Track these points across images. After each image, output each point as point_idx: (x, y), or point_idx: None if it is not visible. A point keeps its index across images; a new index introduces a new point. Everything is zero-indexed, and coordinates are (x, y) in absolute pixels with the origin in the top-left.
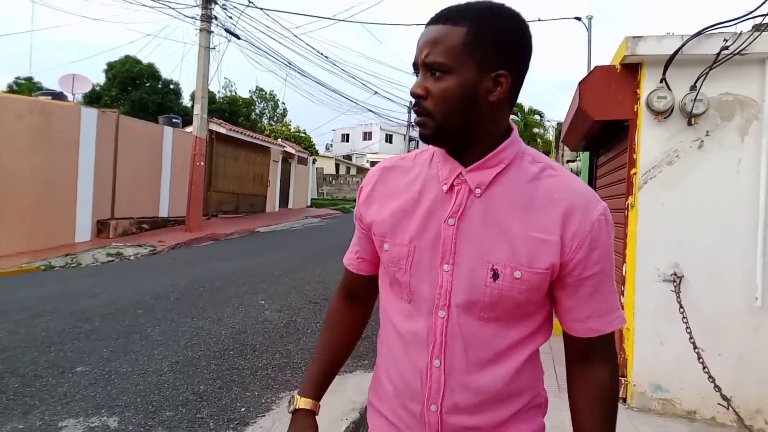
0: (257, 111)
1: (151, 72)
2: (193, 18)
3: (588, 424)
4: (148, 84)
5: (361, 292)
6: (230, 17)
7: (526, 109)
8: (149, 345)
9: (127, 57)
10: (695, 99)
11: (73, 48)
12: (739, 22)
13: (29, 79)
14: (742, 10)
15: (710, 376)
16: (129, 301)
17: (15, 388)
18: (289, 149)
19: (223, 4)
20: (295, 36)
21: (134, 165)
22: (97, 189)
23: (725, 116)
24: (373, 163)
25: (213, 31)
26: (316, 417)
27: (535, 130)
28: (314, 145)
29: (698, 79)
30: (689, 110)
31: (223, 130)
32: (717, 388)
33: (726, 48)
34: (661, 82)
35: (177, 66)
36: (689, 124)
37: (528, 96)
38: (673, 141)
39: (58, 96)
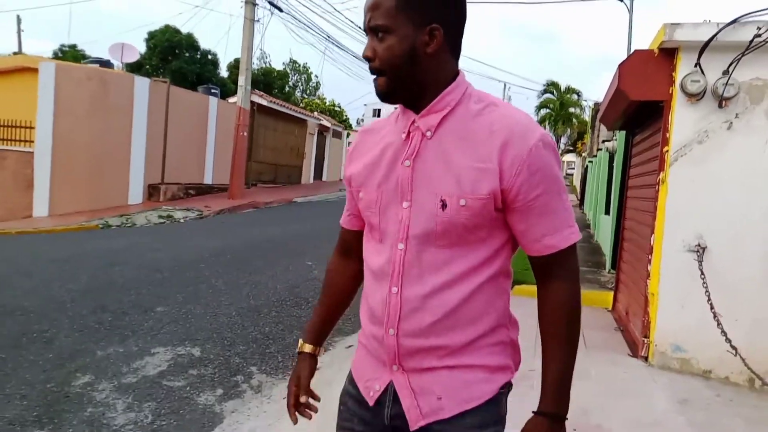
0: (291, 83)
1: (191, 42)
2: None
3: (545, 333)
4: (187, 54)
5: (353, 246)
6: None
7: (563, 88)
8: (216, 293)
9: (167, 27)
10: (727, 83)
11: (114, 18)
12: None
13: (73, 47)
14: None
15: (727, 338)
16: (190, 257)
17: (109, 321)
18: (324, 122)
19: None
20: (335, 10)
21: (182, 133)
22: (149, 155)
23: (755, 99)
24: None
25: (258, 4)
26: (318, 358)
27: (572, 109)
28: (348, 119)
29: (731, 64)
30: (721, 93)
31: (264, 102)
32: (733, 348)
33: (759, 35)
34: (695, 66)
35: (222, 37)
36: (720, 106)
37: (566, 74)
38: (704, 122)
39: (106, 64)
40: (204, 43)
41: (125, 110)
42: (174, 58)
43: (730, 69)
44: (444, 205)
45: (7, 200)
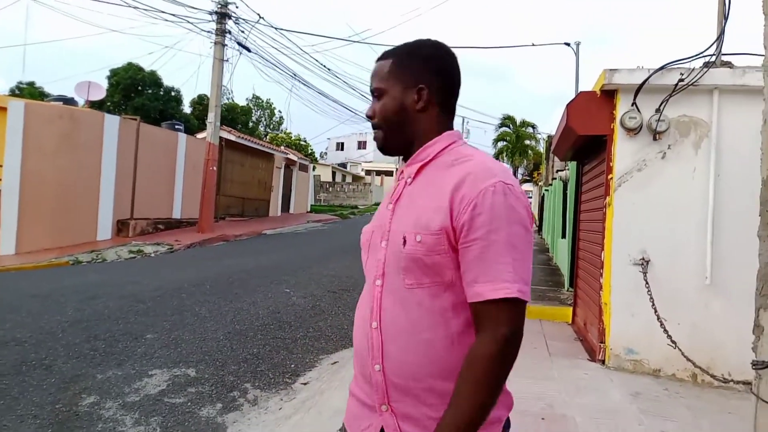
0: (254, 119)
1: (154, 79)
2: (209, 32)
3: (457, 383)
4: (150, 91)
5: None
6: (242, 31)
7: (518, 122)
8: (201, 320)
9: (130, 64)
10: (659, 119)
11: (74, 56)
12: (692, 60)
13: (31, 84)
14: (695, 50)
15: (675, 344)
16: (171, 288)
17: (103, 348)
18: (291, 156)
19: (236, 19)
20: (302, 50)
21: (151, 169)
22: (118, 191)
23: (683, 133)
24: (367, 172)
25: (227, 45)
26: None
27: (527, 141)
28: (314, 153)
29: (661, 103)
30: (654, 128)
31: (232, 137)
32: (674, 344)
33: (682, 80)
34: (632, 105)
35: (191, 77)
36: (654, 139)
37: (521, 109)
38: (642, 152)
39: (69, 101)
40: (172, 82)
41: (95, 147)
42: (137, 94)
43: (661, 107)
44: (405, 242)
45: None
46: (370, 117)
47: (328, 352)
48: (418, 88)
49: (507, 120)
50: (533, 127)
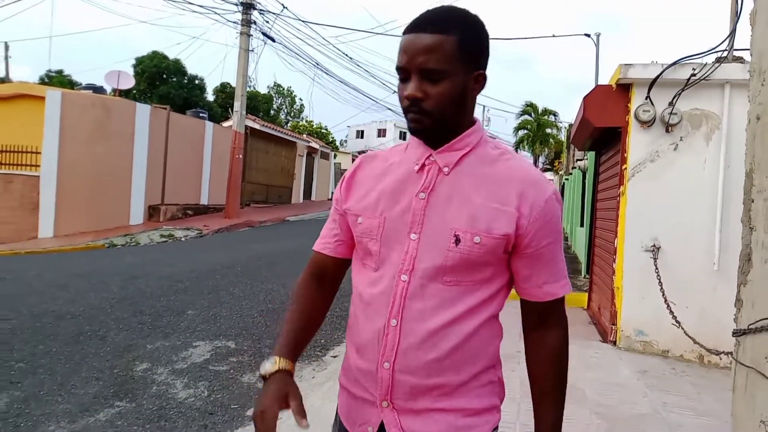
0: (275, 106)
1: (178, 67)
2: (235, 23)
3: (542, 383)
4: (174, 79)
5: (329, 275)
6: (267, 22)
7: (540, 110)
8: (236, 299)
9: (155, 53)
10: (671, 112)
11: (100, 46)
12: (705, 55)
13: (60, 72)
14: (707, 46)
15: (679, 324)
16: (204, 269)
17: (149, 322)
18: (313, 144)
19: (261, 10)
20: (325, 39)
21: (181, 156)
22: (150, 177)
23: (694, 126)
24: None
25: (252, 35)
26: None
27: (548, 130)
28: (335, 141)
29: (674, 97)
30: (667, 121)
31: (257, 126)
32: (678, 325)
33: (694, 75)
34: (646, 98)
35: (217, 66)
36: (667, 131)
37: (542, 97)
38: (655, 144)
39: (99, 90)
40: (197, 71)
41: (127, 135)
42: (162, 83)
43: (674, 101)
44: (457, 240)
45: (13, 222)
46: (419, 99)
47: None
48: (478, 73)
49: (528, 108)
50: (555, 114)
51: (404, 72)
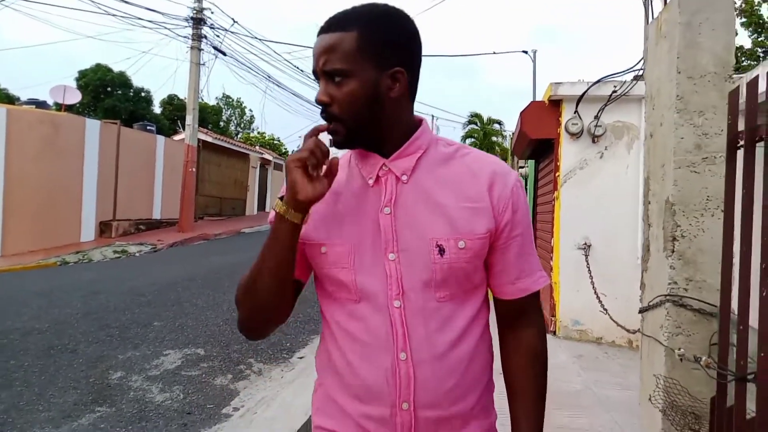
0: (224, 118)
1: (123, 80)
2: (185, 37)
3: (522, 385)
4: (119, 92)
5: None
6: (217, 36)
7: (485, 119)
8: (200, 309)
9: (99, 65)
10: (597, 125)
11: (42, 60)
12: (624, 74)
13: None
14: (626, 65)
15: (606, 311)
16: (164, 283)
17: (117, 335)
18: (266, 156)
19: (211, 25)
20: (277, 53)
21: (132, 171)
22: (100, 193)
23: (617, 136)
24: None
25: (203, 49)
26: None
27: (494, 138)
28: (287, 151)
29: (599, 111)
30: (593, 132)
31: (209, 139)
32: (606, 312)
33: (615, 91)
34: (575, 113)
35: (167, 80)
36: (593, 142)
37: (487, 106)
38: (583, 153)
39: (42, 105)
40: (146, 84)
41: (76, 151)
42: (106, 95)
43: (599, 114)
44: (441, 250)
45: None
46: (325, 104)
47: (317, 333)
48: (395, 70)
49: (474, 117)
50: (500, 123)
51: (315, 76)
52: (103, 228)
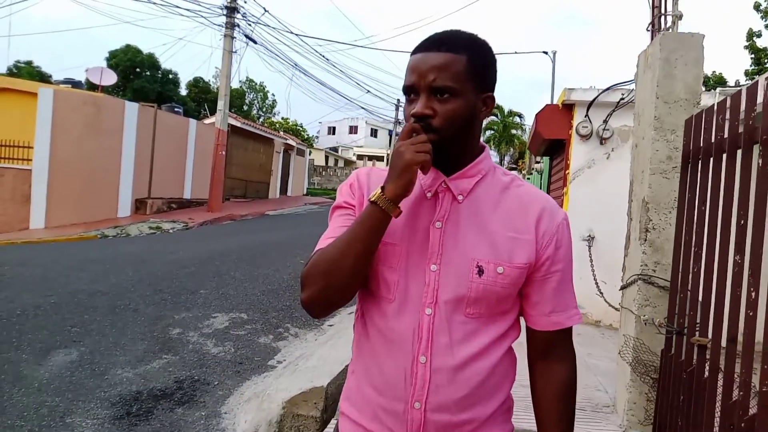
0: (247, 101)
1: (152, 62)
2: (219, 26)
3: (550, 418)
4: (148, 73)
5: None
6: (249, 24)
7: (506, 111)
8: (238, 281)
9: (129, 46)
10: (605, 128)
11: (78, 42)
12: (631, 83)
13: (29, 63)
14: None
15: (601, 294)
16: (203, 257)
17: (170, 299)
18: (290, 142)
19: (244, 13)
20: (306, 44)
21: (166, 152)
22: (137, 172)
23: (623, 139)
24: (359, 156)
25: (235, 37)
26: None
27: (513, 131)
28: (310, 138)
29: (608, 116)
30: (601, 135)
31: (238, 123)
32: (604, 298)
33: (623, 98)
34: (585, 116)
35: (200, 66)
36: (601, 143)
37: (508, 98)
38: (592, 154)
39: (77, 85)
40: (173, 67)
41: (116, 132)
42: (135, 77)
43: (608, 119)
44: (480, 271)
45: (3, 213)
46: (428, 116)
47: (347, 306)
48: (488, 96)
49: (495, 109)
50: (520, 116)
51: (412, 91)
52: (139, 205)
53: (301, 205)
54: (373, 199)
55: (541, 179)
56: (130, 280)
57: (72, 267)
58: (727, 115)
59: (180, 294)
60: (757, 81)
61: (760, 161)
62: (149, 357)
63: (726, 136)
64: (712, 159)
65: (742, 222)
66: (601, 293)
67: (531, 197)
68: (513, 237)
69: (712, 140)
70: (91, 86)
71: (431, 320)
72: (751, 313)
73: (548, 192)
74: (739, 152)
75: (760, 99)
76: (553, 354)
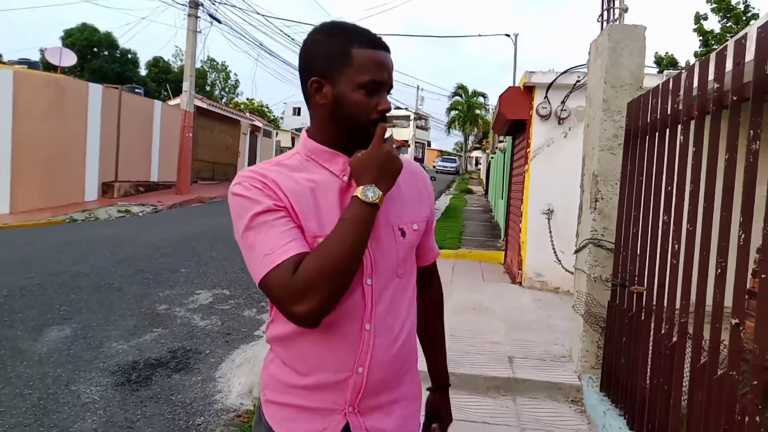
0: (209, 81)
1: (110, 41)
2: (183, 5)
3: (434, 327)
4: (106, 53)
5: None
6: (213, 4)
7: (470, 92)
8: (216, 260)
9: (85, 25)
10: (563, 109)
11: (32, 22)
12: (586, 66)
13: None
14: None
15: (560, 261)
16: (177, 239)
17: (152, 278)
18: (256, 123)
19: None
20: (267, 20)
21: (131, 135)
22: (103, 155)
23: (579, 119)
24: None
25: (200, 17)
26: None
27: (477, 111)
28: (276, 119)
29: (565, 97)
30: (559, 115)
31: (204, 105)
32: (562, 266)
33: (579, 81)
34: (545, 98)
35: (164, 46)
36: (559, 123)
37: (472, 78)
38: (551, 133)
39: (33, 65)
40: (122, 42)
41: (80, 115)
42: (93, 57)
43: (565, 100)
44: (402, 233)
45: None
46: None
47: None
48: None
49: (459, 90)
50: (484, 96)
51: (379, 86)
52: (105, 189)
53: None
54: (376, 201)
55: (504, 157)
56: (109, 262)
57: (49, 250)
58: (659, 100)
59: (161, 273)
60: (680, 73)
61: (681, 138)
62: (140, 331)
63: (658, 117)
64: (648, 137)
65: (669, 188)
66: (560, 261)
67: (409, 163)
68: (417, 197)
69: (648, 120)
70: (47, 67)
71: (371, 290)
72: (675, 262)
73: (511, 169)
74: (667, 131)
75: (681, 88)
76: (433, 278)
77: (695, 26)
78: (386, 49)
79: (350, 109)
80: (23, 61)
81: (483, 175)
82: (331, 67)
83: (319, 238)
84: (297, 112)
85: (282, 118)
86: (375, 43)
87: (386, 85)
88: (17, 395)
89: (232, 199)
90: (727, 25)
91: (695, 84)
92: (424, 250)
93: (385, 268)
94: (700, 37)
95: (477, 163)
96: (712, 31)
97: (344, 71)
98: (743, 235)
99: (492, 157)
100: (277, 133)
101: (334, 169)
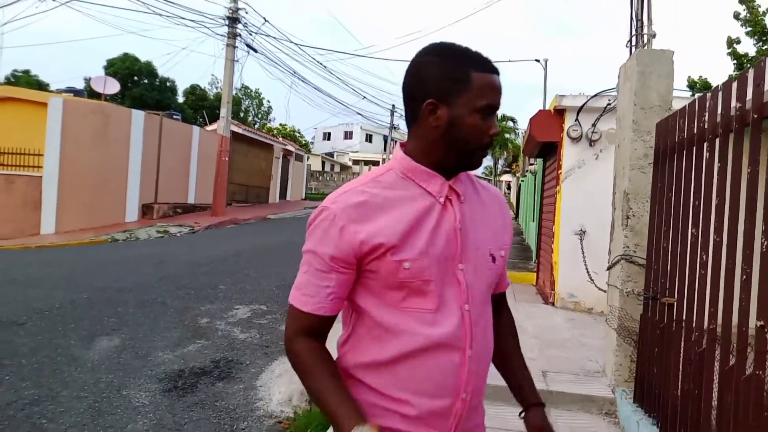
0: (243, 108)
1: (149, 70)
2: (222, 36)
3: (515, 347)
4: (146, 81)
5: (325, 332)
6: (250, 34)
7: (500, 116)
8: (254, 278)
9: (126, 55)
10: (594, 131)
11: (74, 51)
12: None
13: (27, 72)
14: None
15: (593, 281)
16: (216, 258)
17: (193, 294)
18: (288, 147)
19: (245, 24)
20: (305, 53)
21: (171, 159)
22: (143, 178)
23: (610, 141)
24: (355, 161)
25: (237, 47)
26: None
27: (507, 135)
28: (308, 143)
29: (596, 119)
30: (590, 137)
31: (239, 130)
32: (595, 285)
33: (609, 104)
34: (575, 120)
35: (203, 75)
36: (590, 145)
37: (502, 104)
38: (582, 155)
39: (79, 93)
40: (171, 75)
41: (124, 140)
42: (134, 84)
43: (596, 122)
44: (493, 259)
45: (14, 219)
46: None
47: None
48: None
49: None
50: (513, 121)
51: (492, 110)
52: (145, 210)
53: (301, 209)
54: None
55: (535, 180)
56: (152, 278)
57: (94, 267)
58: (686, 120)
59: (202, 289)
60: (705, 95)
61: (707, 155)
62: (184, 342)
63: (685, 136)
64: (676, 155)
65: (696, 203)
66: (593, 281)
67: (490, 188)
68: (501, 223)
69: (676, 140)
70: (91, 94)
71: (469, 315)
72: (703, 272)
73: (542, 191)
74: (694, 149)
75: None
76: (505, 306)
77: (729, 50)
78: (498, 73)
79: (465, 133)
80: (70, 90)
81: (513, 199)
82: (448, 90)
83: (405, 262)
84: (327, 137)
85: (312, 142)
86: (491, 67)
87: (495, 110)
88: (75, 398)
89: (312, 217)
90: (763, 48)
91: (719, 104)
92: (499, 278)
93: (478, 293)
94: (734, 61)
95: (508, 187)
96: (746, 54)
97: (463, 95)
98: (766, 243)
99: (522, 180)
100: (308, 157)
101: (431, 189)
